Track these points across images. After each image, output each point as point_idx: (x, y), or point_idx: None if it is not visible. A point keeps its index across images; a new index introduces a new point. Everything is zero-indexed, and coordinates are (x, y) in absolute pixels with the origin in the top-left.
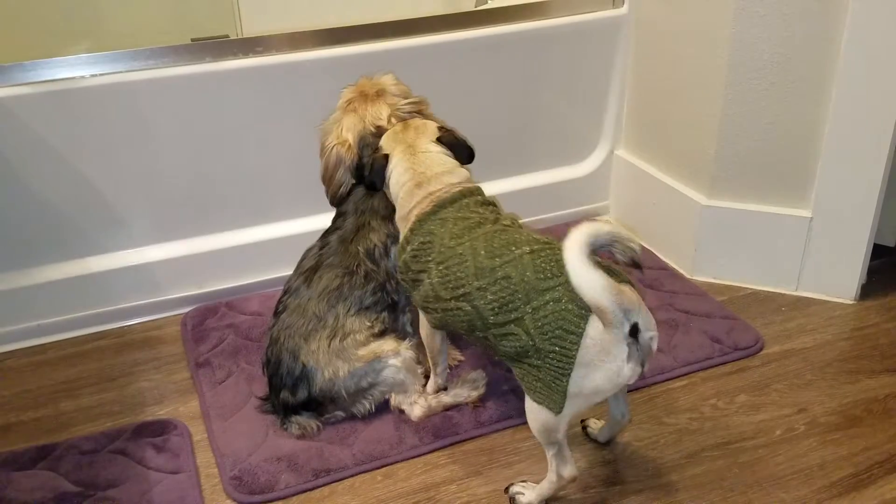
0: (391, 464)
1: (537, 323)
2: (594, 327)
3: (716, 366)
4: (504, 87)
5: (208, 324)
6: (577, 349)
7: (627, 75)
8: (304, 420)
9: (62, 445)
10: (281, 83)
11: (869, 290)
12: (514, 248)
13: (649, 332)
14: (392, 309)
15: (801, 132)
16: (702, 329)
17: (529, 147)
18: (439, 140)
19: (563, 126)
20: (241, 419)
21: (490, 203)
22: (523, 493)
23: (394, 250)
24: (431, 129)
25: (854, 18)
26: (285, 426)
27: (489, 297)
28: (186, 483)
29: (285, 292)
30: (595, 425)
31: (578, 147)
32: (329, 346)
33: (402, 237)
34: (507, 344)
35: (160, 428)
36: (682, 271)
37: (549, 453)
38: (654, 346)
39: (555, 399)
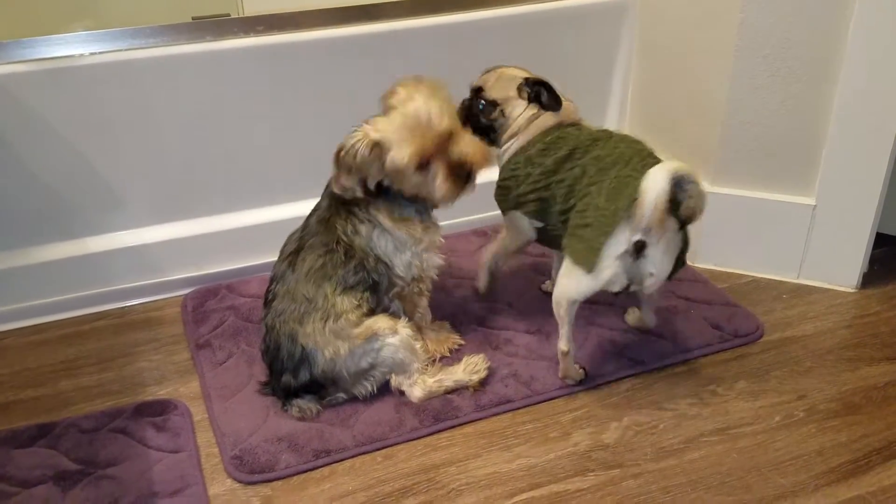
0: (391, 445)
1: (610, 185)
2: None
3: (716, 352)
4: (507, 62)
5: (208, 305)
6: (620, 214)
7: (632, 60)
8: (305, 403)
9: (62, 424)
10: (283, 63)
11: (870, 278)
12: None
13: (651, 268)
14: (374, 290)
15: (806, 119)
16: (702, 316)
17: None
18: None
19: None
20: (242, 400)
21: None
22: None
23: (364, 229)
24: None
25: (861, 5)
26: (286, 408)
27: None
28: (187, 462)
29: (272, 280)
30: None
31: None
32: (325, 327)
33: (515, 151)
34: (583, 203)
35: (161, 407)
36: None
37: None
38: (649, 285)
39: (590, 258)
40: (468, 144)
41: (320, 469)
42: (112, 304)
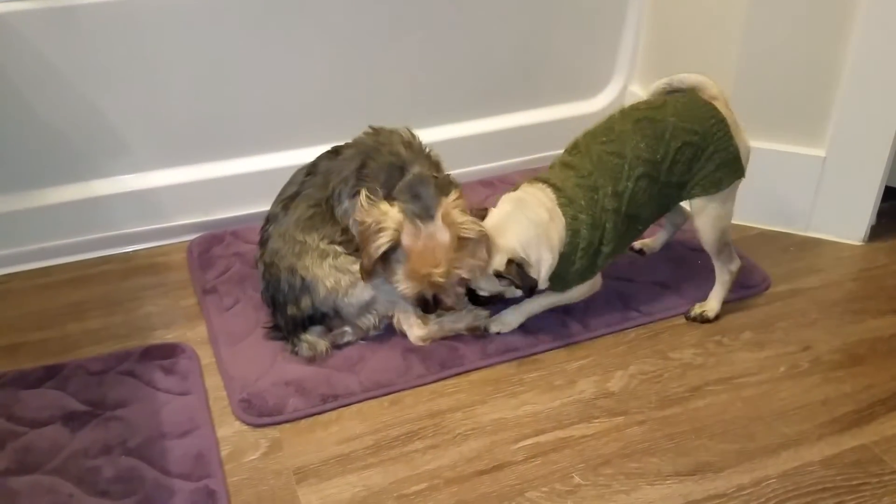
0: (398, 391)
1: (684, 116)
2: (707, 95)
3: (723, 303)
4: (514, 16)
5: (214, 251)
6: (717, 110)
7: (644, 7)
8: (314, 338)
9: (70, 366)
10: (291, 5)
11: (878, 231)
12: (612, 122)
13: None
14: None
15: (820, 71)
16: (709, 267)
17: (539, 80)
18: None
19: (575, 59)
20: (249, 345)
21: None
22: (706, 309)
23: (346, 203)
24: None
25: None
26: (295, 348)
27: (641, 144)
28: (195, 404)
29: (267, 220)
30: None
31: (591, 82)
32: (323, 262)
33: (556, 244)
34: (685, 163)
35: (168, 351)
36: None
37: (720, 260)
38: None
39: (737, 166)
40: (449, 297)
41: (328, 413)
42: (118, 248)
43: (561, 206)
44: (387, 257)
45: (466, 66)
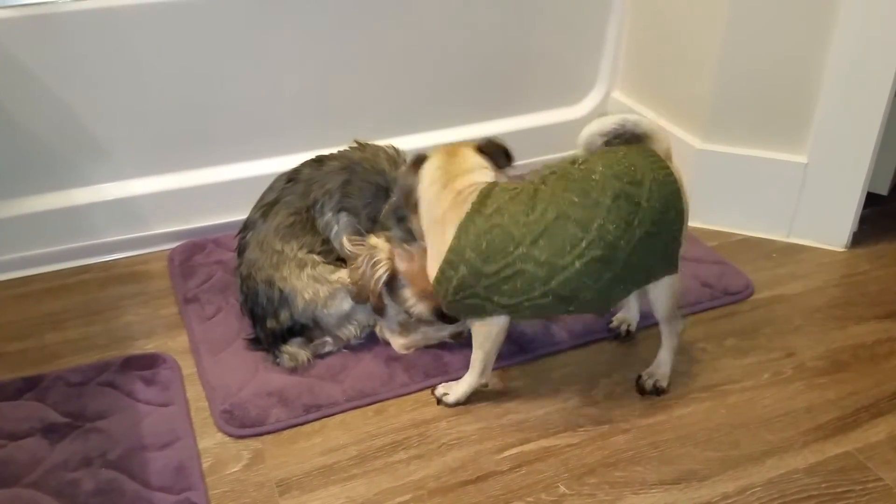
0: (382, 400)
1: (655, 206)
2: (673, 168)
3: (706, 310)
4: (497, 23)
5: (196, 260)
6: (682, 198)
7: (626, 15)
8: (295, 349)
9: (49, 377)
10: (270, 12)
11: (860, 237)
12: (592, 177)
13: None
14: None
15: (799, 76)
16: (692, 273)
17: (523, 87)
18: (479, 149)
19: (558, 66)
20: (231, 354)
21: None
22: (658, 378)
23: (328, 215)
24: (469, 144)
25: None
26: (277, 359)
27: (611, 226)
28: (176, 416)
29: (245, 226)
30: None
31: (574, 89)
32: (301, 272)
33: (442, 255)
34: (640, 255)
35: (149, 361)
36: None
37: (671, 325)
38: None
39: (673, 260)
40: None
41: (311, 423)
42: (97, 257)
43: (462, 224)
44: (391, 287)
45: (449, 74)
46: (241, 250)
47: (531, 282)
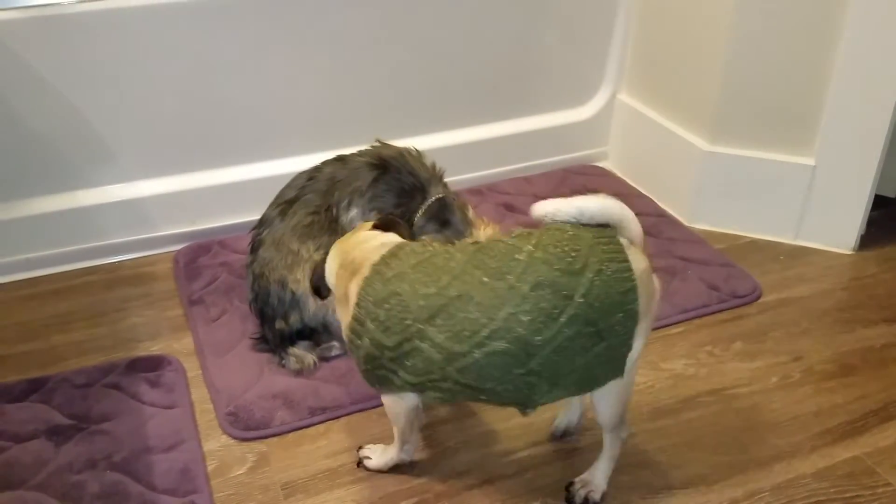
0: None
1: (594, 306)
2: (637, 260)
3: (713, 313)
4: (503, 26)
5: (201, 261)
6: (637, 301)
7: (633, 16)
8: (301, 352)
9: (54, 378)
10: (278, 13)
11: (868, 240)
12: (516, 256)
13: None
14: None
15: (807, 78)
16: (699, 276)
17: (528, 89)
18: (374, 227)
19: (564, 68)
20: (236, 356)
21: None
22: (592, 490)
23: (353, 212)
24: (365, 224)
25: None
26: (283, 361)
27: (524, 318)
28: (181, 418)
29: (261, 223)
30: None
31: (580, 90)
32: None
33: (347, 325)
34: (560, 358)
35: (154, 363)
36: (680, 218)
37: (615, 433)
38: None
39: (620, 365)
40: None
41: (316, 426)
42: (103, 259)
43: (361, 291)
44: None
45: (455, 75)
46: (254, 247)
47: (429, 363)
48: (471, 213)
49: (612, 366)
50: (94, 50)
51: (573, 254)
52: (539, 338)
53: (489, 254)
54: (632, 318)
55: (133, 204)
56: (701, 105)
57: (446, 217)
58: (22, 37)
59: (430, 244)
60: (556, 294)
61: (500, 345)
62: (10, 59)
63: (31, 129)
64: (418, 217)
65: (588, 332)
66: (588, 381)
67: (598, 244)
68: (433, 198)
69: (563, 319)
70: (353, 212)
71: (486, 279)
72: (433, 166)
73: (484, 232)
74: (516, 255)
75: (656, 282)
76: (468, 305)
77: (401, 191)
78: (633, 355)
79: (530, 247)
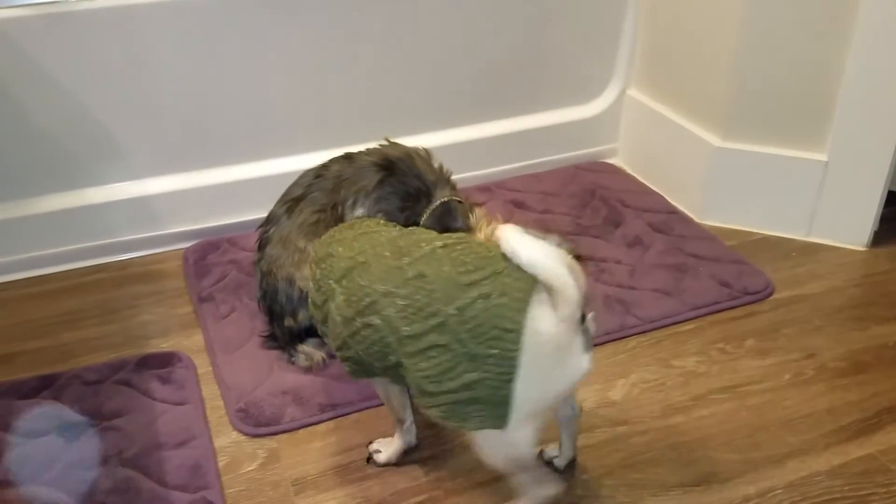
0: None
1: (466, 325)
2: (541, 319)
3: (724, 310)
4: (510, 20)
5: (210, 259)
6: (517, 349)
7: (642, 10)
8: (310, 349)
9: (65, 375)
10: (287, 10)
11: (881, 237)
12: (423, 245)
13: (590, 313)
14: None
15: (819, 73)
16: (710, 273)
17: (537, 85)
18: None
19: (573, 64)
20: (246, 353)
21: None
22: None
23: (359, 212)
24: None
25: None
26: (292, 358)
27: (399, 302)
28: (192, 414)
29: (268, 220)
30: (551, 451)
31: (588, 86)
32: None
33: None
34: (428, 364)
35: (165, 360)
36: (691, 215)
37: (521, 482)
38: (594, 328)
39: (500, 413)
40: None
41: (326, 423)
42: (113, 256)
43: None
44: None
45: (463, 72)
46: (262, 245)
47: (335, 326)
48: (474, 218)
49: (491, 411)
50: (103, 47)
51: (473, 267)
52: (407, 329)
53: (408, 237)
54: (506, 365)
55: (142, 201)
56: (712, 100)
57: (448, 223)
58: (30, 33)
59: (384, 223)
60: (433, 293)
61: (374, 319)
62: (18, 56)
63: (40, 127)
64: (423, 221)
65: (460, 351)
66: (459, 413)
67: (506, 275)
68: (437, 202)
69: (432, 322)
70: (359, 211)
71: (387, 254)
72: (440, 168)
73: (483, 233)
74: (422, 244)
75: (574, 371)
76: (363, 273)
77: (406, 194)
78: (518, 414)
79: (441, 242)
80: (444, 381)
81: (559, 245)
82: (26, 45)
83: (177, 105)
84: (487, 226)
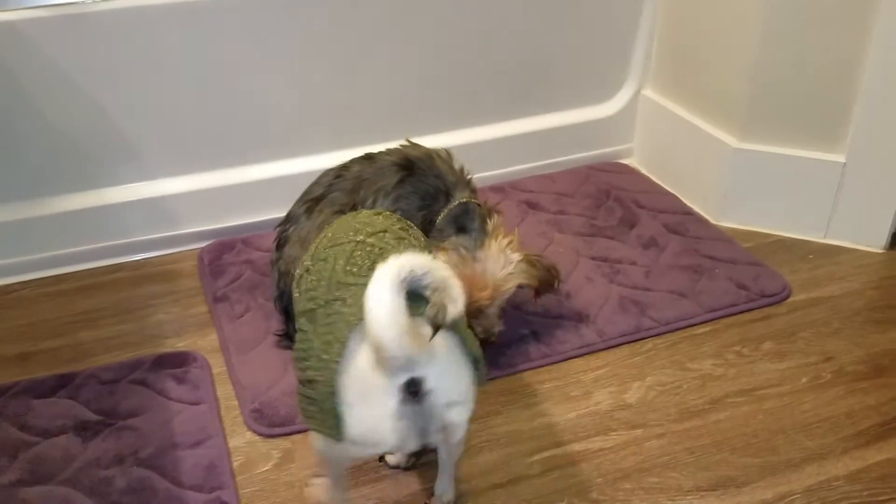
0: None
1: (320, 322)
2: (358, 350)
3: (741, 312)
4: (526, 20)
5: (225, 259)
6: (337, 364)
7: (658, 9)
8: None
9: (82, 374)
10: (305, 11)
11: None
12: (352, 234)
13: (445, 398)
14: None
15: (839, 73)
16: (727, 275)
17: (550, 85)
18: None
19: (588, 63)
20: (260, 353)
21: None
22: None
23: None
24: None
25: None
26: None
27: (309, 277)
28: (207, 414)
29: (287, 219)
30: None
31: (603, 86)
32: None
33: None
34: (297, 345)
35: (180, 360)
36: (707, 216)
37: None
38: (456, 418)
39: (331, 424)
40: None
41: None
42: (129, 256)
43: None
44: None
45: (477, 71)
46: (280, 244)
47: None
48: (492, 223)
49: (325, 418)
50: (120, 47)
51: (361, 271)
52: (300, 304)
53: (368, 223)
54: (329, 376)
55: (158, 201)
56: (730, 101)
57: (464, 223)
58: (47, 34)
59: (387, 214)
60: (320, 281)
61: (296, 289)
62: (35, 57)
63: (56, 127)
64: (439, 220)
65: (312, 344)
66: (303, 408)
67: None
68: (456, 202)
69: (309, 306)
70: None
71: (339, 235)
72: (461, 170)
73: (498, 243)
74: (353, 233)
75: (374, 433)
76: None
77: (425, 193)
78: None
79: (364, 237)
80: (299, 367)
81: (434, 308)
82: (44, 45)
83: (193, 105)
84: (503, 237)
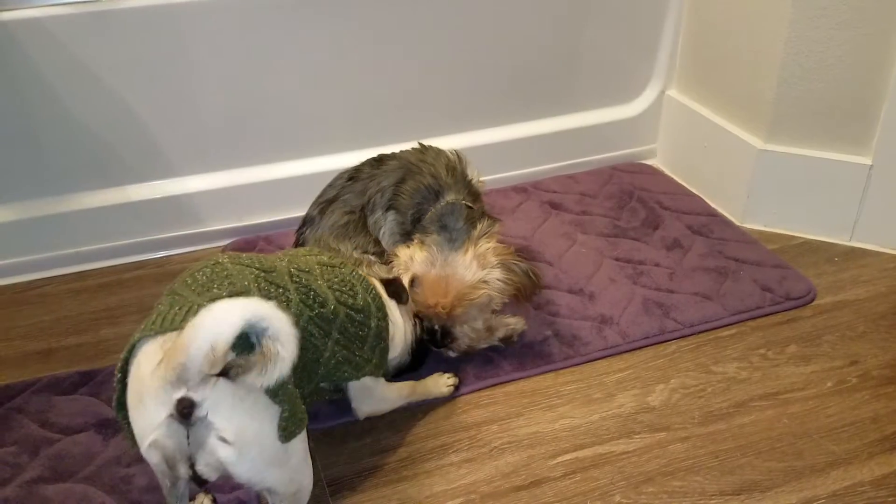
0: (431, 402)
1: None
2: (148, 356)
3: (766, 315)
4: (549, 19)
5: None
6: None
7: (684, 9)
8: None
9: (104, 372)
10: (326, 11)
11: None
12: (245, 260)
13: (217, 433)
14: None
15: (865, 75)
16: (752, 277)
17: (575, 85)
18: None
19: (612, 63)
20: None
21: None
22: None
23: (378, 213)
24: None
25: None
26: None
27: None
28: None
29: (304, 222)
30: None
31: (628, 86)
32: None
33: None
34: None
35: None
36: (731, 218)
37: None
38: (225, 457)
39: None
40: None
41: (361, 423)
42: (152, 253)
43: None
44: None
45: (499, 71)
46: (298, 245)
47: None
48: (480, 228)
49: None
50: (145, 46)
51: (264, 267)
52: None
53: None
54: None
55: (181, 199)
56: (755, 102)
57: (447, 222)
58: (73, 32)
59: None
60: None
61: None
62: (61, 54)
63: (82, 125)
64: (426, 218)
65: None
66: None
67: (239, 291)
68: (444, 201)
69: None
70: (378, 213)
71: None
72: (463, 173)
73: (476, 248)
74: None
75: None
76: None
77: (417, 192)
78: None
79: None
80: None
81: (245, 361)
82: (69, 42)
83: (217, 105)
84: (486, 242)
